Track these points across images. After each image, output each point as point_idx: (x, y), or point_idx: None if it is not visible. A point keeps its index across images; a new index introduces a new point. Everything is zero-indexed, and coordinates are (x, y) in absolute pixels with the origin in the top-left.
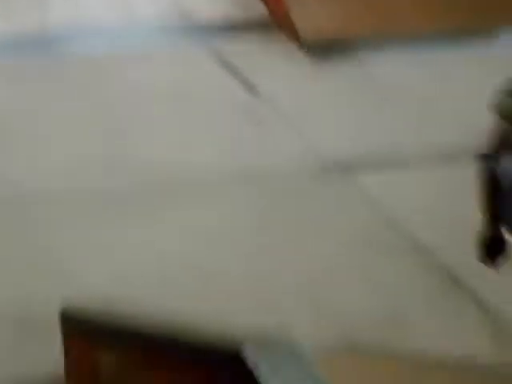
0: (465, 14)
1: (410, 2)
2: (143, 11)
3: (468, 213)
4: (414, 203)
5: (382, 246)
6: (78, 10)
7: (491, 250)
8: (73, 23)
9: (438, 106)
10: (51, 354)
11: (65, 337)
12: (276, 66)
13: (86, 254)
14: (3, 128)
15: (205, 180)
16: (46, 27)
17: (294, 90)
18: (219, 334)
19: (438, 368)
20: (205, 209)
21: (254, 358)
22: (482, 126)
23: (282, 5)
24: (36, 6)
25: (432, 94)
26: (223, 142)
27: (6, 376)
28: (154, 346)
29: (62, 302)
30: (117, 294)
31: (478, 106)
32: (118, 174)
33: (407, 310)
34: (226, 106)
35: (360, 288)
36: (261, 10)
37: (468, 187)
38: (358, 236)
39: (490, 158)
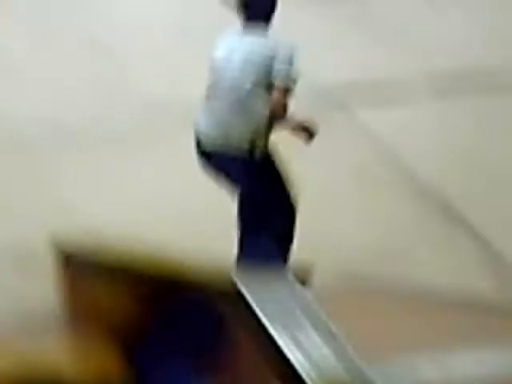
0: None
1: None
2: None
3: (468, 146)
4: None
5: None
6: None
7: None
8: None
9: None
10: (51, 289)
11: (60, 272)
12: None
13: (84, 188)
14: None
15: None
16: None
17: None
18: (212, 269)
19: (438, 305)
20: None
21: (246, 285)
22: None
23: None
24: None
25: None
26: None
27: (6, 312)
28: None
29: (58, 236)
30: (113, 230)
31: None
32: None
33: (405, 244)
34: None
35: (357, 219)
36: None
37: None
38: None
39: None
